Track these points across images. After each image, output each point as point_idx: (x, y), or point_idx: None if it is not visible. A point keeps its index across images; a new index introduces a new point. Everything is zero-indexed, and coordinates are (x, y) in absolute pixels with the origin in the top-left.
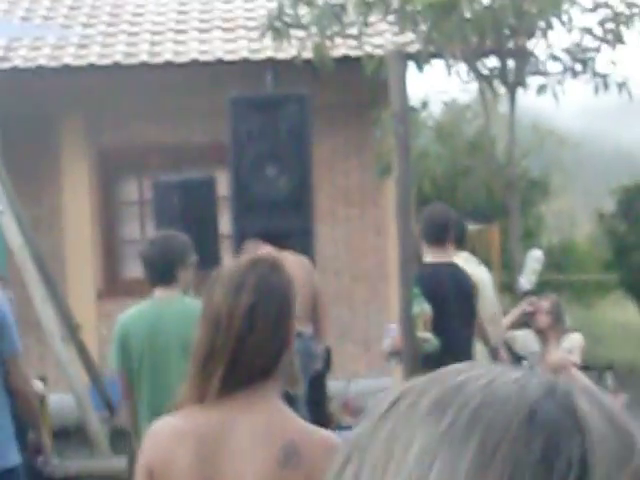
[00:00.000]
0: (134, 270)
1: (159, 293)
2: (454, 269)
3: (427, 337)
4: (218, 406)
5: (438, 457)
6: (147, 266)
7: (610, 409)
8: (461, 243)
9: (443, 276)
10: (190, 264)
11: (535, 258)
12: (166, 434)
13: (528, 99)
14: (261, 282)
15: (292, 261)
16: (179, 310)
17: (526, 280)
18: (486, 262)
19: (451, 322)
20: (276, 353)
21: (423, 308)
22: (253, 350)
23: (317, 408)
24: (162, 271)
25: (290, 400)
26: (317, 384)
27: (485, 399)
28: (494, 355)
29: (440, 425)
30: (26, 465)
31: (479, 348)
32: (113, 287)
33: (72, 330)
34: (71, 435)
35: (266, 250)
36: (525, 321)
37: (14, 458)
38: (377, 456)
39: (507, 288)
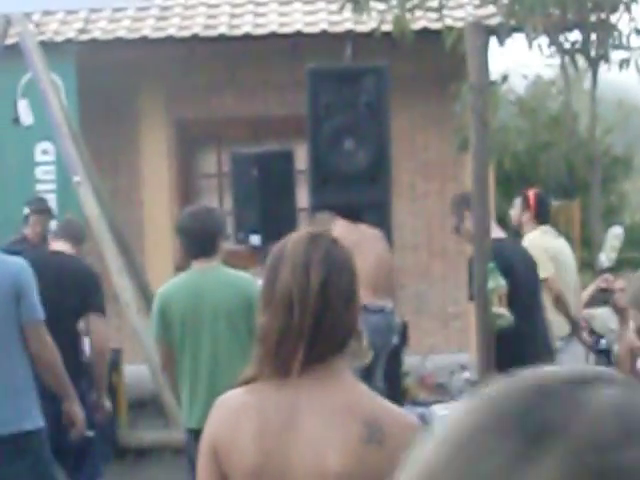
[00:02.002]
0: None
1: (199, 264)
2: (520, 246)
3: (502, 312)
4: (289, 382)
5: None
6: (188, 238)
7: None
8: (545, 217)
9: (512, 251)
10: (226, 236)
11: (615, 235)
12: (233, 408)
13: (612, 74)
14: (327, 257)
15: (370, 234)
16: (222, 280)
17: (605, 257)
18: (566, 238)
19: (524, 298)
20: (349, 327)
21: (498, 283)
22: (330, 326)
23: (392, 383)
24: (204, 243)
25: (366, 374)
26: (393, 358)
27: None
28: (575, 327)
29: None
30: (100, 434)
31: (554, 318)
32: None
33: (149, 302)
34: (146, 406)
35: (339, 223)
36: (605, 299)
37: (36, 421)
38: None
39: (587, 265)
